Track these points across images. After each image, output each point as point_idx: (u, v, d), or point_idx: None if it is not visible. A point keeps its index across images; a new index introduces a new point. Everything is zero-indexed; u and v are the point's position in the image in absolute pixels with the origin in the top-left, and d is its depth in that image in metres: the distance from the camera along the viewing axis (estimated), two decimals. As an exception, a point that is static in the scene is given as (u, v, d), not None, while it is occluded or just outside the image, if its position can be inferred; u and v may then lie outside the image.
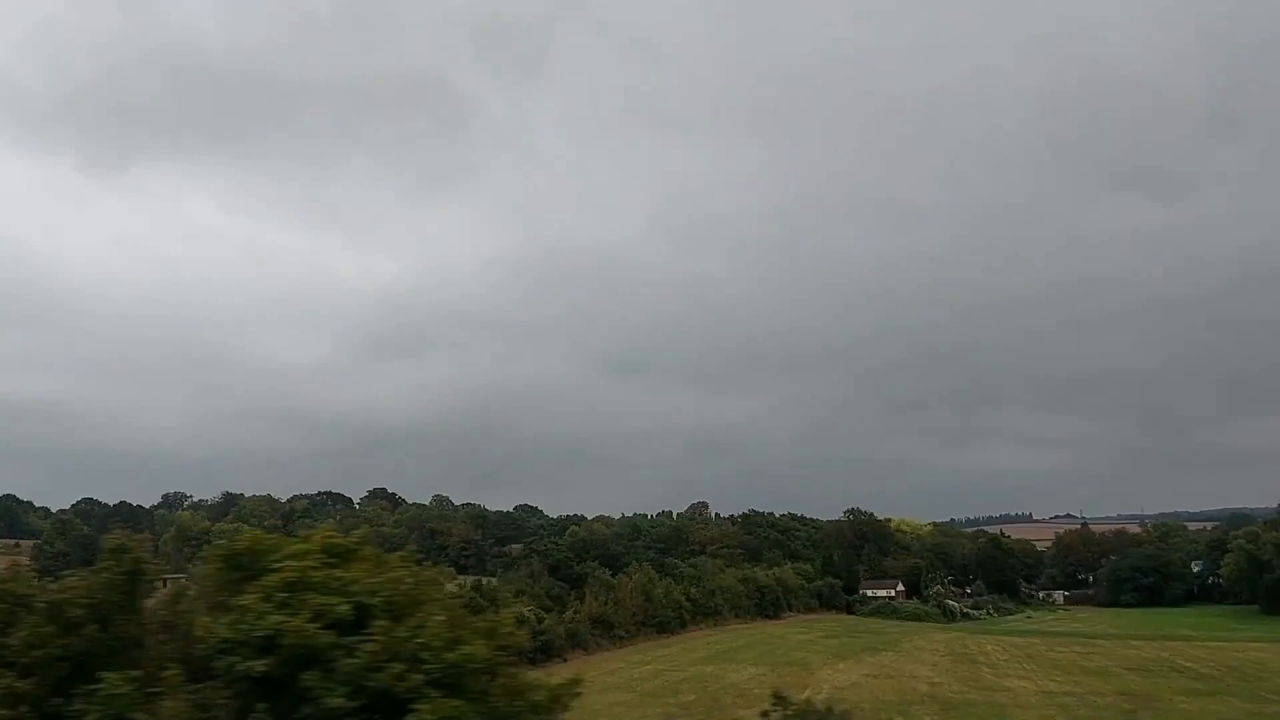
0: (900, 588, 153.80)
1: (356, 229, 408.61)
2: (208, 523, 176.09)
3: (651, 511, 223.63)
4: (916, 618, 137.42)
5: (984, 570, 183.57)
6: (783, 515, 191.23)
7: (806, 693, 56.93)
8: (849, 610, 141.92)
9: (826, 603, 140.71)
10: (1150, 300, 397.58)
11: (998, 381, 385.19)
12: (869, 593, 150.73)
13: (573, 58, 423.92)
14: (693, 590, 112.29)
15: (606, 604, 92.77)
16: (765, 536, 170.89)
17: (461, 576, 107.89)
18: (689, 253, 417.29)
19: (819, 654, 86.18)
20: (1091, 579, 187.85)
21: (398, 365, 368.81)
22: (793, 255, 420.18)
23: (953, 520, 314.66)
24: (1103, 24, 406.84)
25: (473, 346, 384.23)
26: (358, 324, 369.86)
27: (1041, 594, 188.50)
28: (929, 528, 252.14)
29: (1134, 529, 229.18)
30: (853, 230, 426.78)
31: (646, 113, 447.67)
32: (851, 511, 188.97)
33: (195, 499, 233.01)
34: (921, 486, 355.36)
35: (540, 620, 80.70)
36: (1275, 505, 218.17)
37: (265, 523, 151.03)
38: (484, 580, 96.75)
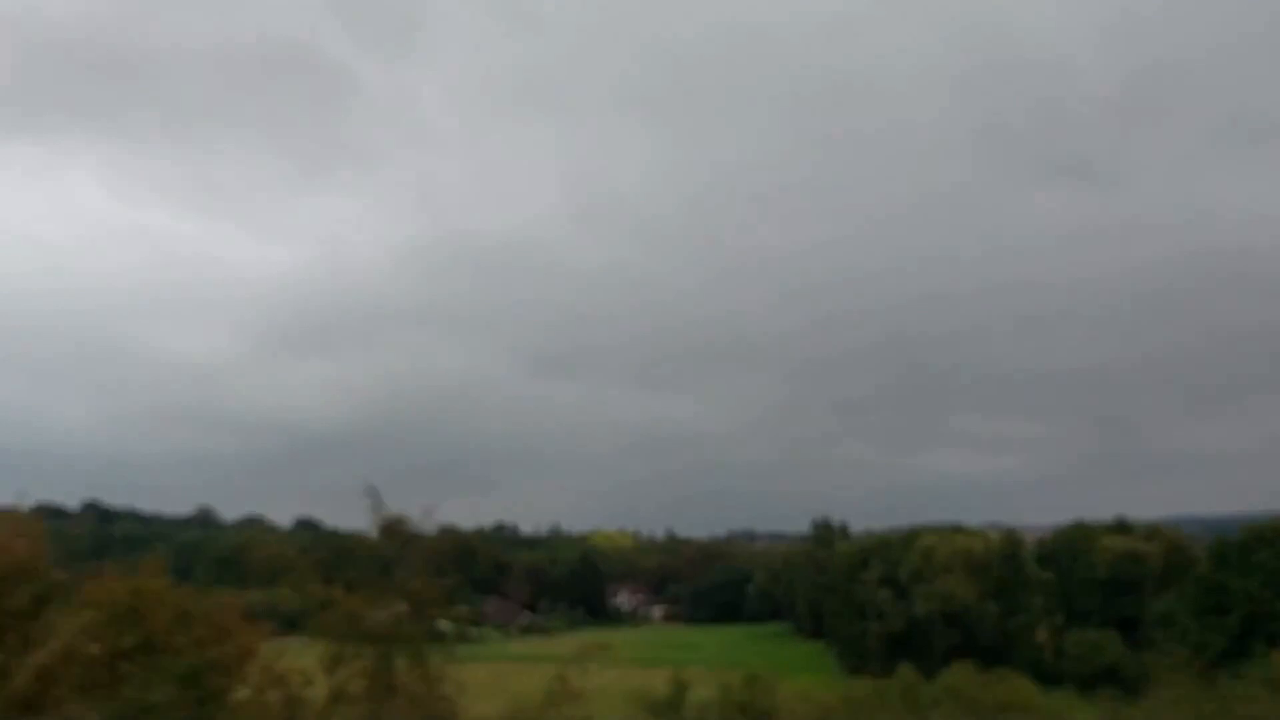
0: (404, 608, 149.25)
1: (245, 214, 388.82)
2: None
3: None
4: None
5: (573, 587, 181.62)
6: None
7: None
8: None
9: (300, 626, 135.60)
10: (1089, 297, 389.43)
11: (939, 382, 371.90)
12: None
13: (448, 30, 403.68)
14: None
15: None
16: (320, 554, 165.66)
17: None
18: (600, 241, 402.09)
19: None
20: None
21: (308, 362, 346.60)
22: (712, 245, 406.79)
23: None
24: (1011, 6, 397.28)
25: (385, 343, 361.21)
26: (258, 317, 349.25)
27: (640, 610, 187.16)
28: (631, 542, 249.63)
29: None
30: (772, 220, 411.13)
31: (537, 93, 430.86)
32: (447, 528, 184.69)
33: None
34: (862, 490, 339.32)
35: None
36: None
37: None
38: None
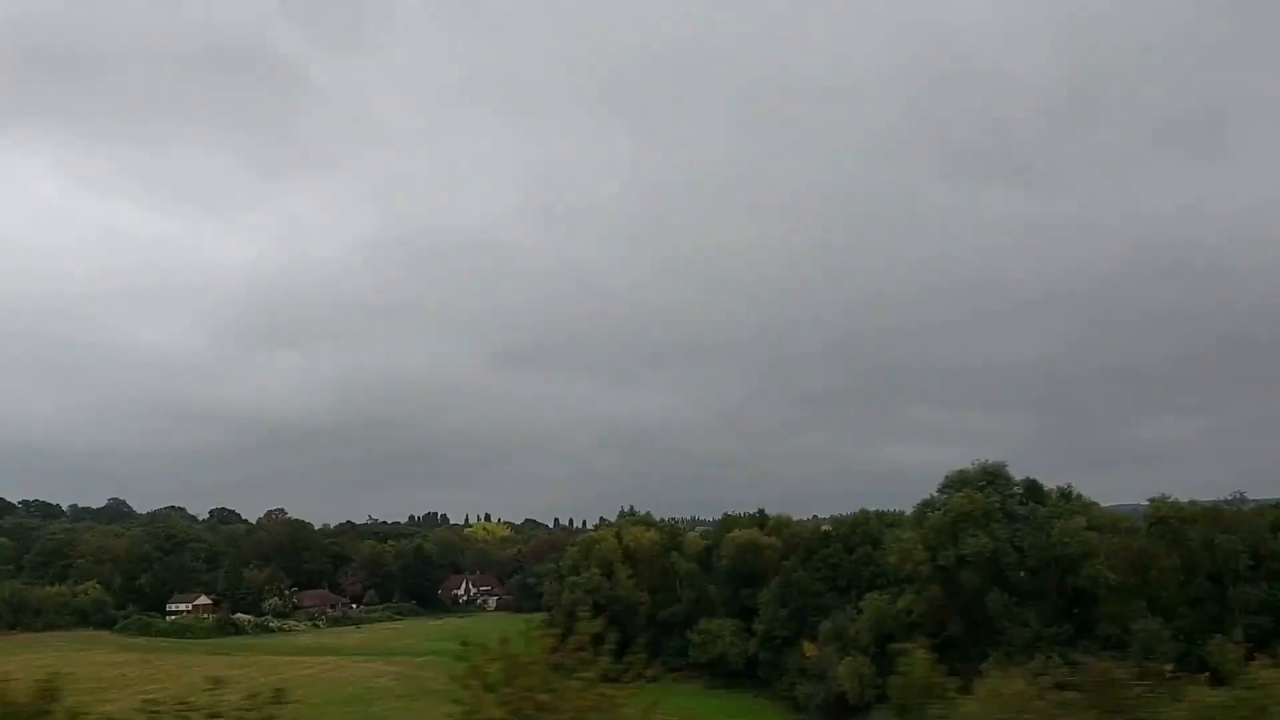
0: (204, 600, 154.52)
1: (203, 208, 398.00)
2: None
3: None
4: (168, 634, 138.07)
5: (408, 578, 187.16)
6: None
7: None
8: (110, 626, 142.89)
9: (89, 620, 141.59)
10: (1038, 294, 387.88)
11: (896, 376, 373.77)
12: (175, 607, 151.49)
13: (401, 28, 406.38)
14: None
15: None
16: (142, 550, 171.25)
17: None
18: (562, 239, 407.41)
19: None
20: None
21: (271, 356, 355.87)
22: (671, 243, 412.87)
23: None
24: (956, 15, 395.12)
25: (347, 337, 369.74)
26: (227, 311, 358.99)
27: (478, 600, 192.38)
28: (507, 532, 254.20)
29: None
30: (730, 220, 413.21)
31: (494, 91, 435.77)
32: (298, 521, 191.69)
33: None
34: (822, 479, 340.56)
35: None
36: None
37: None
38: None
